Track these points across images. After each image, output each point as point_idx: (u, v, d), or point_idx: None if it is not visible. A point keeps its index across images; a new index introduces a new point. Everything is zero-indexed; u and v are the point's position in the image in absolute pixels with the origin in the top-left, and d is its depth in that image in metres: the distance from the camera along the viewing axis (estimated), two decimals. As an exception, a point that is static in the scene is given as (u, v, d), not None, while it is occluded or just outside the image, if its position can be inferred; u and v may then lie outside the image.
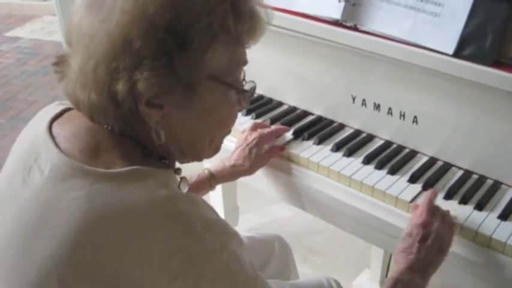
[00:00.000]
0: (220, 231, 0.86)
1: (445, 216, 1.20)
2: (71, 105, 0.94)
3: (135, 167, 0.85)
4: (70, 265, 0.80)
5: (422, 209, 1.20)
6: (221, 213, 2.34)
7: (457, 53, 1.27)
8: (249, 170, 1.47)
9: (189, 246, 0.81)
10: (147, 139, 0.90)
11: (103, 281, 0.80)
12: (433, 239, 1.14)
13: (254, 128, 1.53)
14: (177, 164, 1.03)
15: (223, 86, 0.90)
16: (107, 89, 0.83)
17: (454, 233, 1.20)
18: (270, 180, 1.55)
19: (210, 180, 1.43)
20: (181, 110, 0.88)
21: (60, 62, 0.92)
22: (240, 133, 1.52)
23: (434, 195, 1.25)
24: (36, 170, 0.87)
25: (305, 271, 2.28)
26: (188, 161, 1.01)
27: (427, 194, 1.26)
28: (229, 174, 1.46)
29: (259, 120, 1.63)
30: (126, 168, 0.85)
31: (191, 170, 1.35)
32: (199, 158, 1.01)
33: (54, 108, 0.97)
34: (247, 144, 1.47)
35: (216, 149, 1.03)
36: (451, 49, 1.26)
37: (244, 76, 0.99)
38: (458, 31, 1.25)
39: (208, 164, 1.48)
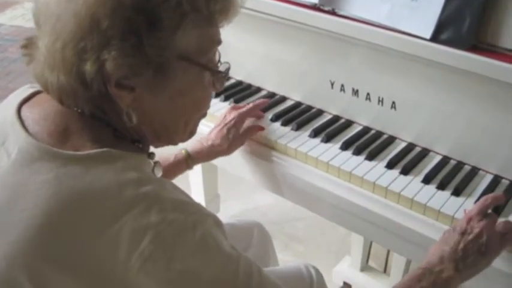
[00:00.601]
0: (192, 212, 0.84)
1: (499, 224, 1.13)
2: (41, 89, 0.92)
3: (105, 149, 0.84)
4: (37, 249, 0.78)
5: (473, 207, 1.15)
6: (202, 202, 2.32)
7: (435, 38, 1.26)
8: (227, 150, 1.46)
9: (159, 227, 0.79)
10: (119, 122, 0.88)
11: (71, 266, 0.78)
12: (475, 235, 1.08)
13: (232, 108, 1.52)
14: (152, 149, 1.01)
15: (196, 67, 0.89)
16: (75, 69, 0.81)
17: (505, 246, 1.11)
18: (249, 166, 1.54)
19: (188, 161, 1.42)
20: (153, 91, 0.86)
21: (29, 45, 0.90)
22: (217, 118, 1.51)
23: (493, 200, 1.16)
24: (3, 153, 0.85)
25: (286, 258, 2.28)
26: (162, 145, 1.00)
27: (485, 196, 1.18)
28: (207, 154, 1.45)
29: (238, 106, 1.61)
30: (95, 151, 0.83)
31: (169, 151, 1.34)
32: (173, 142, 0.99)
33: (24, 91, 0.95)
34: (226, 124, 1.46)
35: (191, 133, 1.01)
36: (428, 33, 1.25)
37: (220, 57, 0.97)
38: (436, 15, 1.25)
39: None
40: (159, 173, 1.02)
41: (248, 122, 1.53)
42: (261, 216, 2.61)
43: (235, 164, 1.57)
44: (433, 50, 1.26)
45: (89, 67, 0.80)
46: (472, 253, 1.07)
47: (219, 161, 1.58)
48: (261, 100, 1.61)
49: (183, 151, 1.42)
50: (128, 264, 0.77)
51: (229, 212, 2.61)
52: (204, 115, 1.01)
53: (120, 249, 0.77)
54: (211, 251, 0.83)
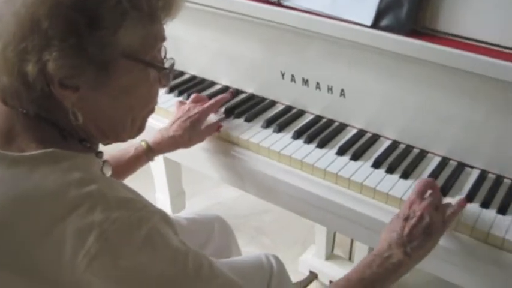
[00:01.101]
0: (137, 209, 0.84)
1: (440, 204, 1.16)
2: None
3: (50, 149, 0.84)
4: None
5: (412, 193, 1.18)
6: (167, 199, 2.33)
7: (375, 24, 1.29)
8: (188, 143, 1.46)
9: (103, 225, 0.79)
10: (65, 121, 0.88)
11: (18, 268, 0.79)
12: (418, 218, 1.11)
13: (195, 100, 1.53)
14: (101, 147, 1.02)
15: (141, 64, 0.89)
16: (17, 70, 0.81)
17: (447, 225, 1.15)
18: (204, 160, 1.55)
19: (148, 153, 1.42)
20: (98, 90, 0.86)
21: None
22: (178, 107, 1.52)
23: (430, 183, 1.21)
24: None
25: (252, 251, 2.28)
26: (111, 142, 0.99)
27: (422, 179, 1.23)
28: (168, 146, 1.45)
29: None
30: (39, 151, 0.84)
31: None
32: (122, 139, 0.99)
33: None
34: (189, 117, 1.46)
35: (139, 129, 1.00)
36: (369, 20, 1.28)
37: (166, 53, 0.97)
38: (375, 3, 1.27)
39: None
40: (108, 172, 1.02)
41: (210, 119, 1.55)
42: (227, 211, 2.62)
43: (192, 158, 1.58)
44: (374, 36, 1.28)
45: (30, 68, 0.80)
46: (418, 236, 1.10)
47: (173, 156, 1.60)
48: (223, 95, 1.62)
49: (143, 143, 1.42)
50: (74, 263, 0.78)
51: (195, 208, 2.62)
52: (151, 111, 1.01)
53: (65, 250, 0.78)
54: (157, 247, 0.84)
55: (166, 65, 0.96)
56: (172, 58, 0.97)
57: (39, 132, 0.87)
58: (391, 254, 1.08)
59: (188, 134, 1.44)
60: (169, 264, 0.84)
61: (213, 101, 1.54)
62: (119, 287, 0.81)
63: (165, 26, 0.93)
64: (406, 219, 1.12)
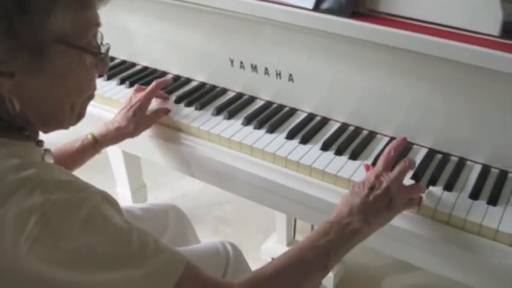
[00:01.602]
0: (77, 190, 0.84)
1: (409, 185, 1.18)
2: None
3: None
4: None
5: (379, 162, 1.18)
6: (128, 192, 2.33)
7: (317, 7, 1.30)
8: (133, 132, 1.46)
9: (43, 207, 0.79)
10: (3, 110, 0.88)
11: None
12: (382, 190, 1.11)
13: (137, 90, 1.53)
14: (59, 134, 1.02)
15: (75, 50, 0.89)
16: None
17: (407, 206, 1.17)
18: (156, 149, 1.56)
19: (95, 145, 1.41)
20: (33, 76, 0.86)
21: None
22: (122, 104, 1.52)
23: (398, 149, 1.21)
24: None
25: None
26: (52, 130, 0.99)
27: (387, 148, 1.21)
28: (114, 137, 1.45)
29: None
30: None
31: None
32: (62, 126, 0.99)
33: None
34: (131, 106, 1.47)
35: (79, 115, 1.00)
36: (310, 4, 1.29)
37: (102, 39, 0.97)
38: (316, -15, 1.28)
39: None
40: (50, 160, 1.02)
41: (155, 104, 1.55)
42: (191, 202, 2.63)
43: (144, 148, 1.58)
44: (316, 19, 1.29)
45: None
46: (380, 206, 1.10)
47: (129, 148, 1.60)
48: (163, 79, 1.62)
49: (89, 136, 1.42)
50: (16, 248, 0.78)
51: (158, 201, 2.61)
52: (91, 97, 1.01)
53: (6, 235, 0.78)
54: (99, 226, 0.84)
55: (102, 50, 0.96)
56: (108, 43, 0.97)
57: None
58: (351, 221, 1.07)
59: (133, 123, 1.44)
60: (112, 243, 0.84)
61: (152, 85, 1.54)
62: (63, 269, 0.80)
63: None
64: (371, 188, 1.12)
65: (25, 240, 0.78)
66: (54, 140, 1.18)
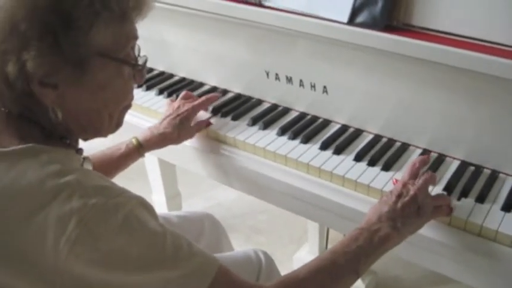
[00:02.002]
0: (114, 195, 0.88)
1: (435, 195, 1.21)
2: None
3: (30, 144, 0.89)
4: None
5: (405, 173, 1.22)
6: (163, 200, 2.37)
7: (351, 21, 1.33)
8: (177, 139, 1.51)
9: (82, 210, 0.83)
10: (46, 119, 0.93)
11: (4, 255, 0.84)
12: (410, 197, 1.14)
13: (185, 97, 1.58)
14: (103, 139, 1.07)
15: (114, 62, 0.94)
16: None
17: (435, 215, 1.19)
18: (193, 159, 1.59)
19: (139, 149, 1.46)
20: (75, 87, 0.91)
21: None
22: (168, 105, 1.58)
23: (422, 162, 1.26)
24: None
25: (248, 250, 2.32)
26: (91, 137, 1.04)
27: (412, 161, 1.26)
28: (157, 142, 1.49)
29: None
30: (20, 146, 0.88)
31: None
32: (100, 134, 1.04)
33: None
34: (178, 115, 1.51)
35: (117, 124, 1.05)
36: (345, 17, 1.32)
37: (139, 51, 1.02)
38: (351, 0, 1.31)
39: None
40: (88, 167, 1.07)
41: (200, 116, 1.59)
42: (225, 211, 2.67)
43: (182, 157, 1.62)
44: (350, 33, 1.32)
45: (11, 68, 0.85)
46: (408, 213, 1.12)
47: (166, 156, 1.64)
48: (212, 94, 1.66)
49: (133, 140, 1.47)
50: (57, 249, 0.82)
51: (192, 209, 2.65)
52: (128, 107, 1.06)
53: (47, 237, 0.82)
54: (134, 230, 0.88)
55: (140, 62, 1.00)
56: (145, 55, 1.02)
57: (21, 130, 0.92)
58: (380, 227, 1.10)
59: (177, 130, 1.49)
60: (147, 246, 0.89)
61: (202, 99, 1.59)
62: (100, 269, 0.85)
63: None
64: (399, 196, 1.15)
65: (65, 242, 0.82)
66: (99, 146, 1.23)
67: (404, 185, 1.18)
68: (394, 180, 1.31)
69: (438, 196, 1.21)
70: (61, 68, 0.87)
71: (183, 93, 1.61)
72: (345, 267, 1.05)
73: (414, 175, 1.21)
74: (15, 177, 0.85)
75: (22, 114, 0.93)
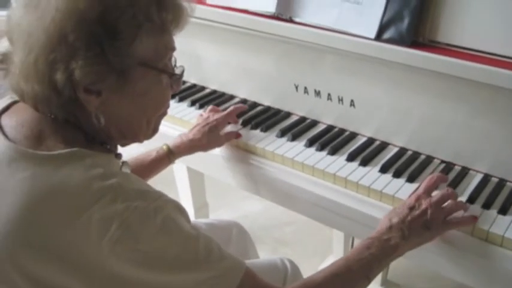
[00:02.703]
0: (154, 199, 0.94)
1: (447, 203, 1.25)
2: (18, 98, 1.03)
3: (75, 148, 0.95)
4: (17, 241, 0.89)
5: (421, 186, 1.28)
6: (191, 210, 2.42)
7: (379, 37, 1.38)
8: (206, 146, 1.58)
9: (124, 213, 0.89)
10: (89, 124, 0.99)
11: (48, 254, 0.89)
12: (420, 211, 1.20)
13: (212, 110, 1.65)
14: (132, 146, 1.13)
15: (154, 71, 1.00)
16: (47, 79, 0.92)
17: (448, 227, 1.23)
18: (222, 167, 1.65)
19: (169, 155, 1.52)
20: (117, 95, 0.97)
21: (4, 60, 1.01)
22: (199, 116, 1.65)
23: (438, 180, 1.30)
24: None
25: (274, 260, 2.36)
26: (129, 143, 1.11)
27: (432, 175, 1.31)
28: (187, 148, 1.56)
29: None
30: (65, 150, 0.94)
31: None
32: (138, 139, 1.10)
33: (3, 102, 1.06)
34: (208, 123, 1.58)
35: (154, 130, 1.11)
36: (372, 33, 1.37)
37: (175, 62, 1.08)
38: (378, 17, 1.36)
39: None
40: (127, 171, 1.12)
41: (229, 127, 1.65)
42: (251, 223, 2.70)
43: (212, 166, 1.68)
44: (377, 48, 1.37)
45: (59, 76, 0.91)
46: (417, 226, 1.19)
47: (196, 164, 1.70)
48: (240, 105, 1.73)
49: (164, 147, 1.53)
50: (99, 247, 0.88)
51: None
52: (164, 114, 1.12)
53: (91, 235, 0.88)
54: (172, 232, 0.94)
55: (177, 71, 1.06)
56: (182, 66, 1.08)
57: (66, 135, 0.98)
58: (390, 237, 1.17)
59: (207, 138, 1.56)
60: (182, 248, 0.95)
61: (230, 109, 1.66)
62: (138, 268, 0.91)
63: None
64: (411, 209, 1.21)
65: (107, 241, 0.88)
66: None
67: (418, 198, 1.23)
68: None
69: (451, 207, 1.24)
70: (106, 77, 0.93)
71: (210, 107, 1.67)
72: (358, 273, 1.13)
73: (429, 189, 1.27)
74: (61, 179, 0.91)
75: (67, 120, 0.98)
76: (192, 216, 2.36)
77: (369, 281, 1.14)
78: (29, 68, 0.93)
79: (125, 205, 0.90)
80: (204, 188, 2.43)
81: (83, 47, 0.90)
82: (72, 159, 0.93)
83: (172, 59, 1.06)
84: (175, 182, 2.38)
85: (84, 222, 0.88)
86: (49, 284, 0.90)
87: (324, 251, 2.49)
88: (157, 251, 0.92)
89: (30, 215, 0.89)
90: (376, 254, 1.15)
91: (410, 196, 1.26)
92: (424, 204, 1.21)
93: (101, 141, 1.03)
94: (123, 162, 1.12)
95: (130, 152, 1.24)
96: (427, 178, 1.30)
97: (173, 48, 1.04)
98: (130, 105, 1.00)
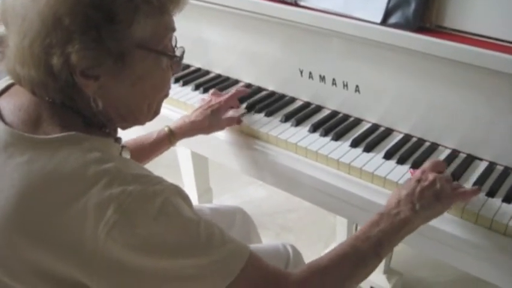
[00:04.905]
0: (152, 183, 0.92)
1: (450, 180, 1.23)
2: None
3: (72, 132, 0.93)
4: (13, 225, 0.89)
5: (426, 162, 1.26)
6: (194, 196, 2.42)
7: (385, 21, 1.36)
8: (207, 129, 1.57)
9: (120, 197, 0.87)
10: (87, 108, 0.98)
11: (46, 240, 0.88)
12: (429, 182, 1.17)
13: (214, 94, 1.64)
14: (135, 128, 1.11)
15: (154, 53, 0.97)
16: (43, 63, 0.90)
17: (456, 199, 1.21)
18: (226, 152, 1.64)
19: (170, 137, 1.51)
20: (116, 78, 0.95)
21: (0, 43, 1.00)
22: (201, 100, 1.66)
23: (441, 164, 1.28)
24: None
25: (277, 246, 2.36)
26: (130, 126, 1.09)
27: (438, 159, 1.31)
28: (188, 130, 1.55)
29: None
30: (62, 134, 0.93)
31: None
32: (139, 122, 1.08)
33: (2, 83, 1.05)
34: (210, 106, 1.57)
35: (155, 113, 1.09)
36: (378, 18, 1.36)
37: (176, 43, 1.05)
38: (385, 1, 1.35)
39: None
40: (127, 156, 1.11)
41: (231, 112, 1.64)
42: (255, 209, 2.70)
43: (216, 151, 1.68)
44: (383, 33, 1.36)
45: (55, 61, 0.89)
46: (427, 196, 1.16)
47: (199, 148, 1.69)
48: (242, 88, 1.72)
49: (165, 128, 1.52)
50: (96, 232, 0.86)
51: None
52: (165, 96, 1.10)
53: (88, 220, 0.87)
54: (171, 216, 0.92)
55: (177, 53, 1.04)
56: (182, 47, 1.06)
57: (64, 119, 0.96)
58: (399, 211, 1.13)
59: (208, 120, 1.55)
60: (182, 233, 0.93)
61: (232, 91, 1.65)
62: (137, 253, 0.89)
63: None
64: (419, 181, 1.19)
65: (103, 226, 0.86)
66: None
67: (424, 171, 1.22)
68: (411, 171, 1.34)
69: (457, 184, 1.25)
70: (103, 61, 0.91)
71: (212, 90, 1.67)
72: (367, 251, 1.09)
73: (435, 167, 1.24)
74: (58, 163, 0.89)
75: (65, 104, 0.97)
76: (195, 202, 2.38)
77: (380, 258, 1.10)
78: (24, 52, 0.91)
79: (121, 189, 0.88)
80: (208, 174, 2.43)
81: (79, 30, 0.87)
82: (69, 143, 0.92)
83: (173, 39, 1.04)
84: (179, 167, 2.38)
85: (80, 207, 0.87)
86: (48, 271, 0.89)
87: (328, 237, 2.48)
88: (155, 236, 0.90)
89: (27, 201, 0.88)
90: (386, 230, 1.11)
91: (416, 172, 1.24)
92: (432, 175, 1.19)
93: (100, 124, 1.02)
94: (123, 147, 1.11)
95: (131, 133, 1.22)
96: (432, 160, 1.29)
97: (173, 29, 1.01)
98: (130, 88, 0.98)
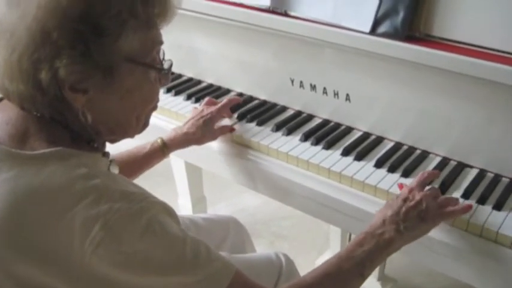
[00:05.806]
0: (138, 200, 0.92)
1: (440, 197, 1.24)
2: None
3: (59, 148, 0.93)
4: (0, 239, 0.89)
5: (414, 180, 1.28)
6: (188, 205, 2.42)
7: (373, 31, 1.37)
8: (200, 140, 1.57)
9: (107, 215, 0.87)
10: (76, 122, 0.97)
11: (32, 256, 0.88)
12: (415, 202, 1.18)
13: (208, 103, 1.64)
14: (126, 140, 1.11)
15: (142, 67, 0.97)
16: (31, 78, 0.90)
17: (443, 218, 1.22)
18: (217, 161, 1.64)
19: (163, 149, 1.51)
20: (104, 92, 0.95)
21: None
22: (193, 110, 1.65)
23: (430, 175, 1.31)
24: None
25: (271, 255, 2.36)
26: (119, 139, 1.08)
27: (425, 171, 1.32)
28: (181, 142, 1.55)
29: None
30: (49, 150, 0.92)
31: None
32: (128, 135, 1.07)
33: None
34: (202, 116, 1.58)
35: (144, 125, 1.09)
36: (367, 27, 1.36)
37: (164, 56, 1.05)
38: (373, 11, 1.36)
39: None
40: (115, 170, 1.11)
41: (224, 121, 1.65)
42: (249, 217, 2.71)
43: (208, 160, 1.68)
44: (372, 43, 1.37)
45: (44, 75, 0.89)
46: (412, 217, 1.17)
47: (192, 158, 1.69)
48: (234, 97, 1.73)
49: (158, 140, 1.52)
50: (83, 249, 0.86)
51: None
52: (154, 108, 1.09)
53: (74, 237, 0.86)
54: (157, 234, 0.92)
55: (165, 66, 1.04)
56: (170, 59, 1.05)
57: (51, 134, 0.96)
58: (384, 231, 1.15)
59: (201, 131, 1.55)
60: (168, 251, 0.93)
61: (224, 101, 1.65)
62: (122, 269, 0.89)
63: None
64: (405, 200, 1.20)
65: (90, 243, 0.86)
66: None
67: (411, 190, 1.22)
68: (400, 185, 1.35)
69: (446, 200, 1.24)
70: (92, 75, 0.91)
71: (206, 99, 1.67)
72: (350, 271, 1.10)
73: (422, 183, 1.26)
74: (44, 179, 0.89)
75: (53, 118, 0.96)
76: (189, 211, 2.39)
77: (363, 278, 1.12)
78: (12, 67, 0.90)
79: (108, 206, 0.88)
80: (201, 183, 2.43)
81: (67, 45, 0.87)
82: (55, 159, 0.92)
83: (161, 52, 1.04)
84: (173, 177, 2.38)
85: (67, 224, 0.87)
86: (35, 286, 0.89)
87: (321, 245, 2.49)
88: (141, 254, 0.90)
89: (13, 217, 0.88)
90: (370, 250, 1.12)
91: (403, 189, 1.25)
92: (418, 195, 1.20)
93: (88, 139, 1.01)
94: (111, 161, 1.11)
95: (123, 145, 1.23)
96: (418, 175, 1.29)
97: (161, 42, 1.01)
98: (119, 101, 0.98)
